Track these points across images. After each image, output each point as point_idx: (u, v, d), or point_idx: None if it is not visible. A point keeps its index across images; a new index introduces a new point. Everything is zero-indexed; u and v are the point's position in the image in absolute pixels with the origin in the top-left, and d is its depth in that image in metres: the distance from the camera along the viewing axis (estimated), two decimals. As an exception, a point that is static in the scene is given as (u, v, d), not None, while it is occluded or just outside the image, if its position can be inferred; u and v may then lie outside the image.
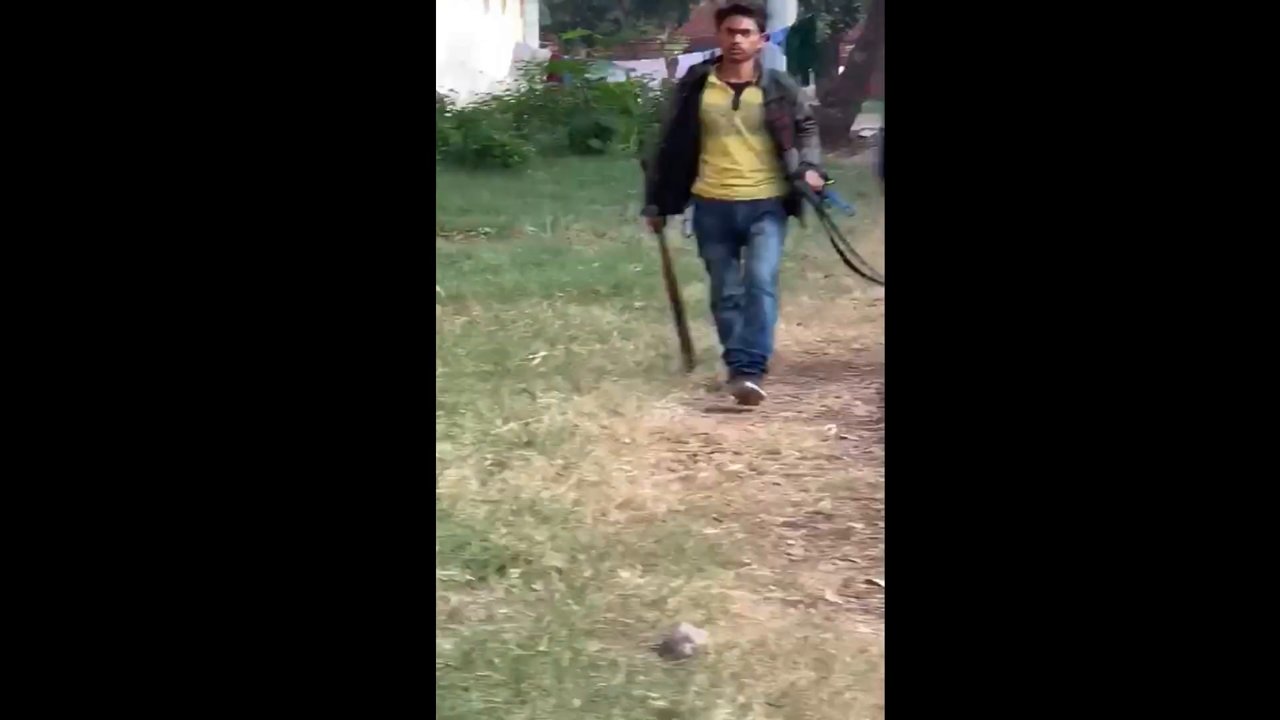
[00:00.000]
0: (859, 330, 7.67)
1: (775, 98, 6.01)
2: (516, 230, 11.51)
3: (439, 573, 3.76)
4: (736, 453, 5.41)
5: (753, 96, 6.01)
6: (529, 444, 5.27)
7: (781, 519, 4.65)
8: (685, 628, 3.51)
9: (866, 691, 3.21)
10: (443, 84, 18.66)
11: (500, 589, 3.82)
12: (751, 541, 4.38)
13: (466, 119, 16.24)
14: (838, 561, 4.29)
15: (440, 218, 12.28)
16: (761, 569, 4.13)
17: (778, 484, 5.03)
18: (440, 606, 3.55)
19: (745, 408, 5.96)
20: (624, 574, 3.94)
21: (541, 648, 3.38)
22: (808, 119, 6.14)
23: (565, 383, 6.27)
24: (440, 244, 10.96)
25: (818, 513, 4.74)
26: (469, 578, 3.86)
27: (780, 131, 6.00)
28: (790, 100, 6.07)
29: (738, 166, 6.05)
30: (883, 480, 5.10)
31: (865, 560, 4.31)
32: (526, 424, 5.50)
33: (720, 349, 6.35)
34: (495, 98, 19.49)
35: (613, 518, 4.49)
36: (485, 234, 11.40)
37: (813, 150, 6.10)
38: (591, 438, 5.39)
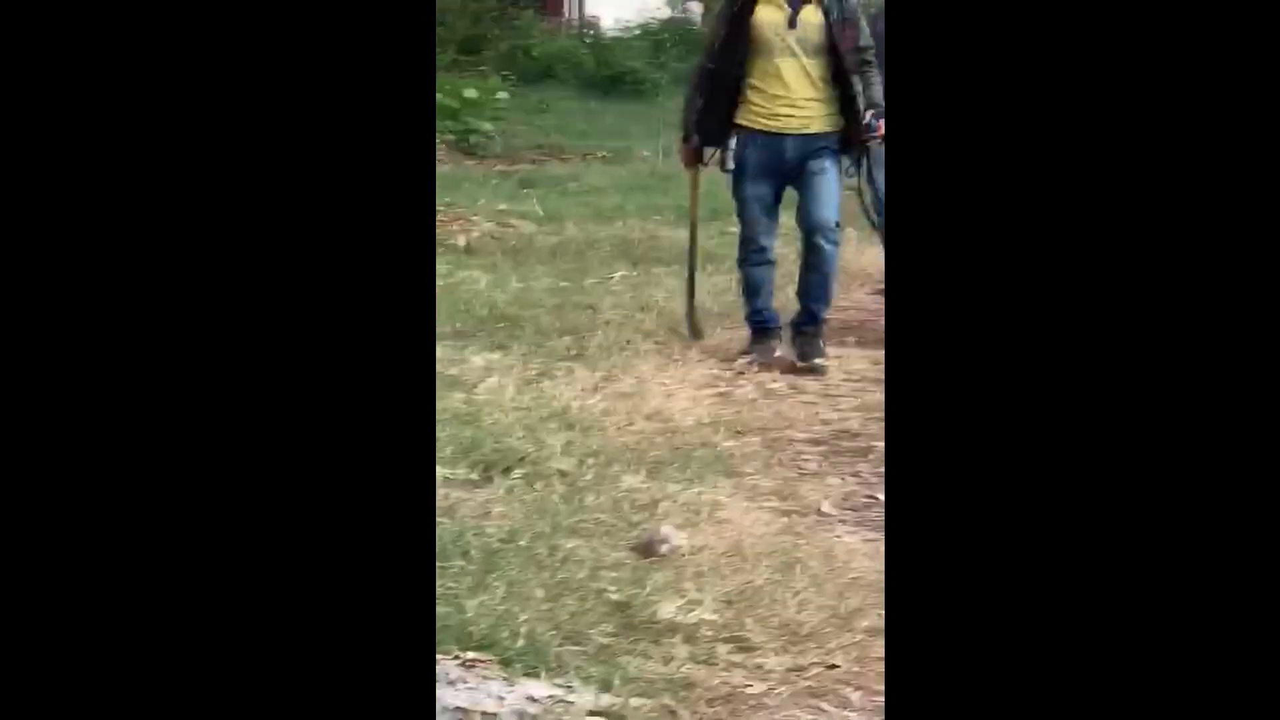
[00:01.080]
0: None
1: (838, 19, 5.41)
2: (633, 156, 11.61)
3: (445, 471, 3.92)
4: (784, 372, 5.48)
5: (812, 15, 5.41)
6: (578, 356, 5.40)
7: (805, 435, 4.73)
8: (665, 529, 3.61)
9: (820, 593, 3.30)
10: (594, 9, 18.82)
11: (502, 488, 3.95)
12: (766, 455, 4.47)
13: (601, 45, 16.33)
14: (847, 477, 4.37)
15: (560, 140, 12.49)
16: (765, 480, 4.22)
17: (813, 403, 5.11)
18: (438, 503, 3.68)
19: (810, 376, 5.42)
20: (626, 479, 4.06)
21: (522, 542, 3.51)
22: (869, 48, 5.52)
23: (634, 301, 6.39)
24: (552, 166, 11.17)
25: (844, 431, 4.81)
26: (473, 476, 4.01)
27: (843, 57, 5.42)
28: (853, 24, 5.47)
29: (790, 94, 5.43)
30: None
31: (876, 477, 4.37)
32: (581, 338, 5.63)
33: (743, 308, 5.77)
34: (640, 25, 19.56)
35: (637, 427, 4.60)
36: (602, 158, 11.54)
37: (875, 86, 5.50)
38: (641, 353, 5.51)
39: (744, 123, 5.53)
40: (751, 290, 5.69)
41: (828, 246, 5.51)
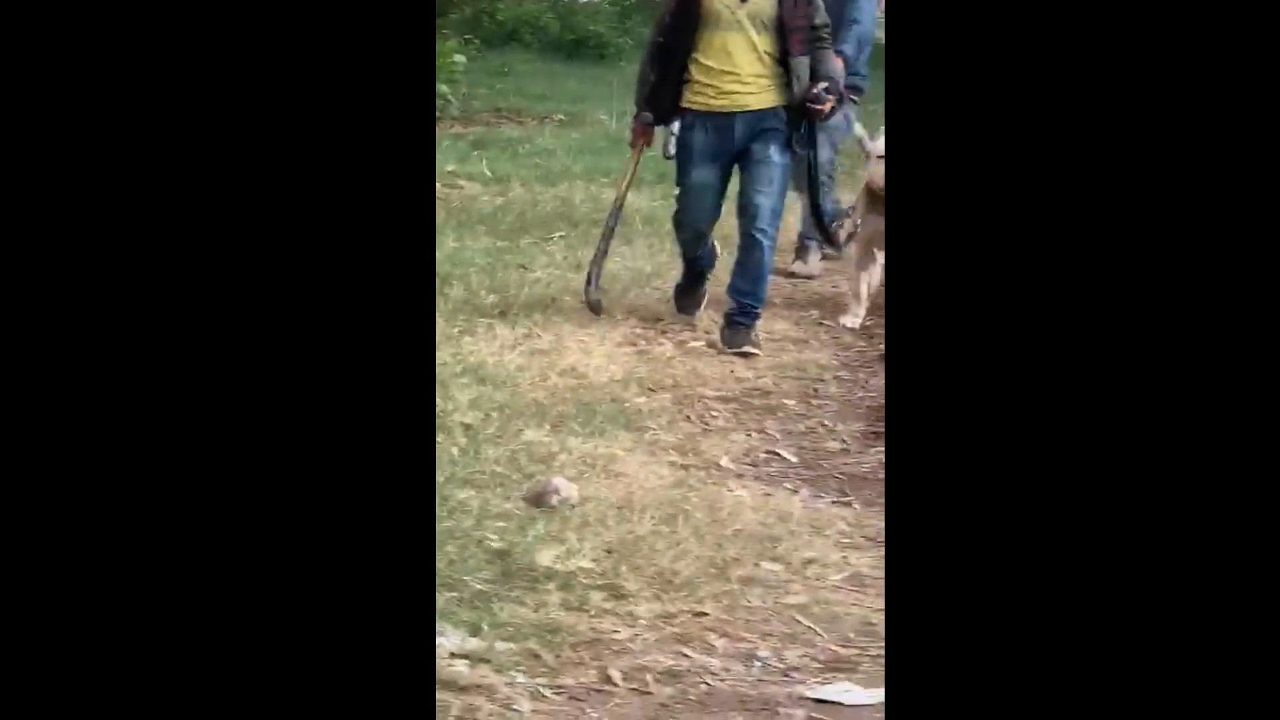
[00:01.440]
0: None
1: None
2: (590, 120, 11.60)
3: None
4: (707, 332, 5.51)
5: None
6: (502, 314, 5.43)
7: (716, 393, 4.77)
8: (557, 480, 3.65)
9: (700, 544, 3.35)
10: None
11: (403, 439, 3.98)
12: (674, 410, 4.51)
13: (566, 9, 16.32)
14: (752, 433, 4.41)
15: (518, 103, 12.48)
16: (668, 435, 4.26)
17: (729, 362, 5.14)
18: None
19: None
20: (528, 432, 4.10)
21: (414, 491, 3.54)
22: (824, 25, 5.32)
23: (567, 261, 6.41)
24: (507, 128, 11.17)
25: (756, 389, 4.85)
26: (375, 428, 4.03)
27: (793, 34, 5.19)
28: (807, 0, 5.24)
29: (737, 70, 5.23)
30: (835, 362, 5.22)
31: (781, 434, 4.43)
32: (506, 295, 5.67)
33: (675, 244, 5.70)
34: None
35: (550, 383, 4.64)
36: (559, 121, 11.54)
37: (827, 64, 5.31)
38: (565, 311, 5.54)
39: (690, 105, 5.34)
40: (686, 235, 5.51)
41: (764, 241, 5.27)
